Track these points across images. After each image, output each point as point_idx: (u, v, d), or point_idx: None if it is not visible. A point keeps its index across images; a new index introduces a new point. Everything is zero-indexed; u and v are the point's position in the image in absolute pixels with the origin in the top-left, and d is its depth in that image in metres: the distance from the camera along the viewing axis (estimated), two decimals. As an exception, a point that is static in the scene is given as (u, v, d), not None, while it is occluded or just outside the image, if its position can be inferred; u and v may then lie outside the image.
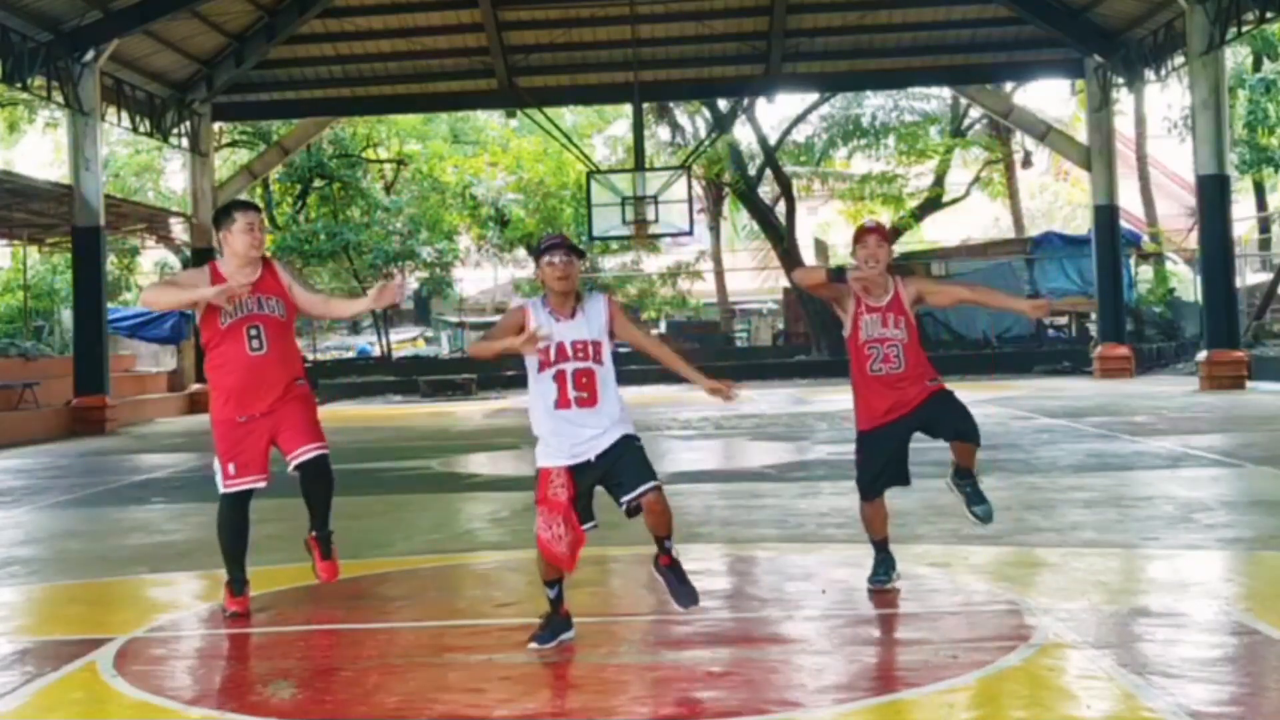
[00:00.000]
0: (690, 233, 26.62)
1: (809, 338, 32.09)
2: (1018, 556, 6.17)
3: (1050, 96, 36.66)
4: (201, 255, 22.35)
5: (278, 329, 5.55)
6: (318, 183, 33.22)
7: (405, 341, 38.31)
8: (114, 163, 33.15)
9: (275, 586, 6.08)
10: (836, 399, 18.89)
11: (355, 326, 42.02)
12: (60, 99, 19.47)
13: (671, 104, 34.14)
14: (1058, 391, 20.21)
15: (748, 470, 11.43)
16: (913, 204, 33.82)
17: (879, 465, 5.52)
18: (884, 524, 5.65)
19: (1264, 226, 33.77)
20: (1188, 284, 30.01)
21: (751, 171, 32.52)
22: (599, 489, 4.83)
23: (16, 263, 28.17)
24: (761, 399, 21.22)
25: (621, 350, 4.93)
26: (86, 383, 19.15)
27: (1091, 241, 24.95)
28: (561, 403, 4.74)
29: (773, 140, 32.41)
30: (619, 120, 36.77)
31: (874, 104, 33.84)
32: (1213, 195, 19.31)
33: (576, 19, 23.80)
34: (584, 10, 23.50)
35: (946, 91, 31.95)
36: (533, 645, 4.75)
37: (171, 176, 36.17)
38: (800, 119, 33.49)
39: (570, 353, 4.76)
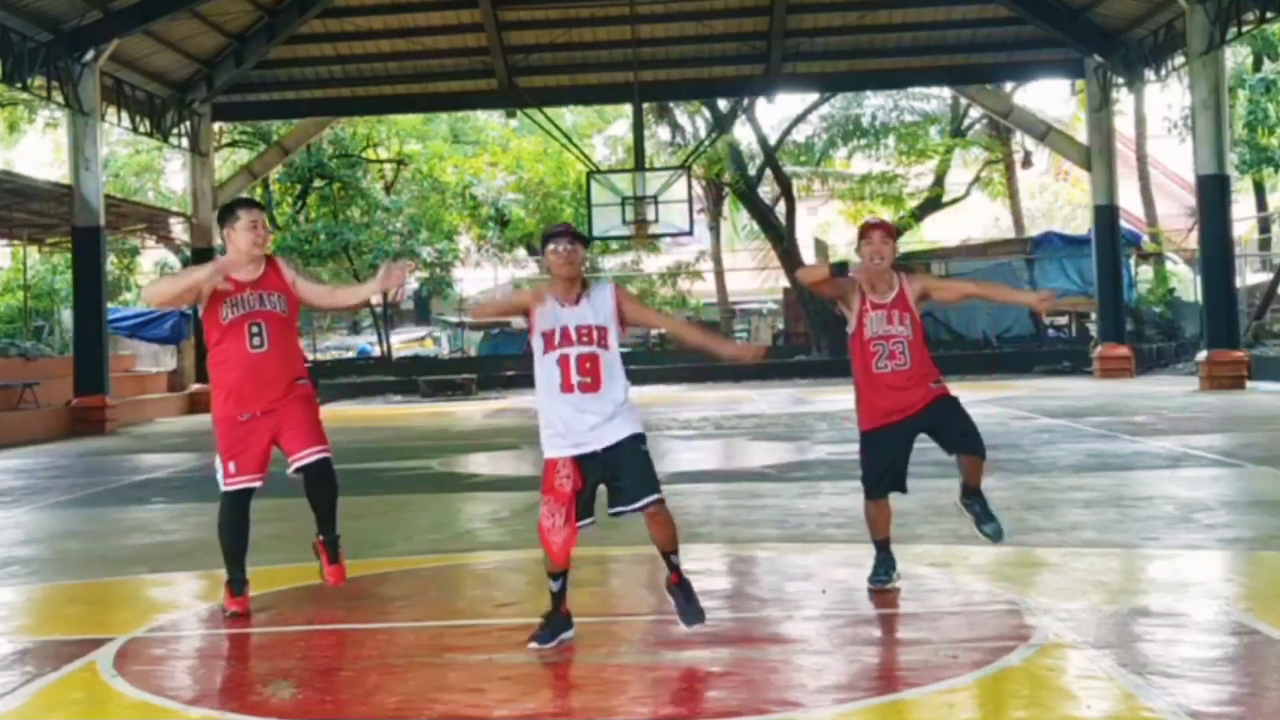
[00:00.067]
0: (690, 233, 26.62)
1: (809, 338, 32.09)
2: (1018, 556, 6.17)
3: (1050, 96, 36.69)
4: (201, 255, 22.37)
5: (279, 326, 5.54)
6: (318, 183, 33.24)
7: (412, 341, 38.27)
8: (114, 163, 33.16)
9: (275, 586, 6.08)
10: (836, 399, 18.89)
11: (355, 326, 42.07)
12: (60, 99, 19.47)
13: (671, 104, 34.14)
14: (1058, 391, 20.21)
15: (748, 470, 11.42)
16: (913, 204, 33.84)
17: (883, 465, 5.52)
18: (887, 524, 5.65)
19: (1264, 226, 33.77)
20: (1188, 284, 30.01)
21: (751, 171, 32.52)
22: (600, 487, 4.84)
23: (16, 263, 28.18)
24: (761, 399, 21.22)
25: (621, 351, 4.94)
26: (86, 383, 19.15)
27: (1091, 241, 24.96)
28: (565, 387, 4.75)
29: (773, 140, 32.41)
30: (619, 120, 36.77)
31: (874, 104, 33.86)
32: (1213, 195, 19.31)
33: (576, 19, 23.81)
34: (584, 10, 23.51)
35: (946, 91, 31.97)
36: (533, 645, 4.75)
37: (171, 176, 36.19)
38: (800, 119, 33.51)
39: (574, 337, 4.77)
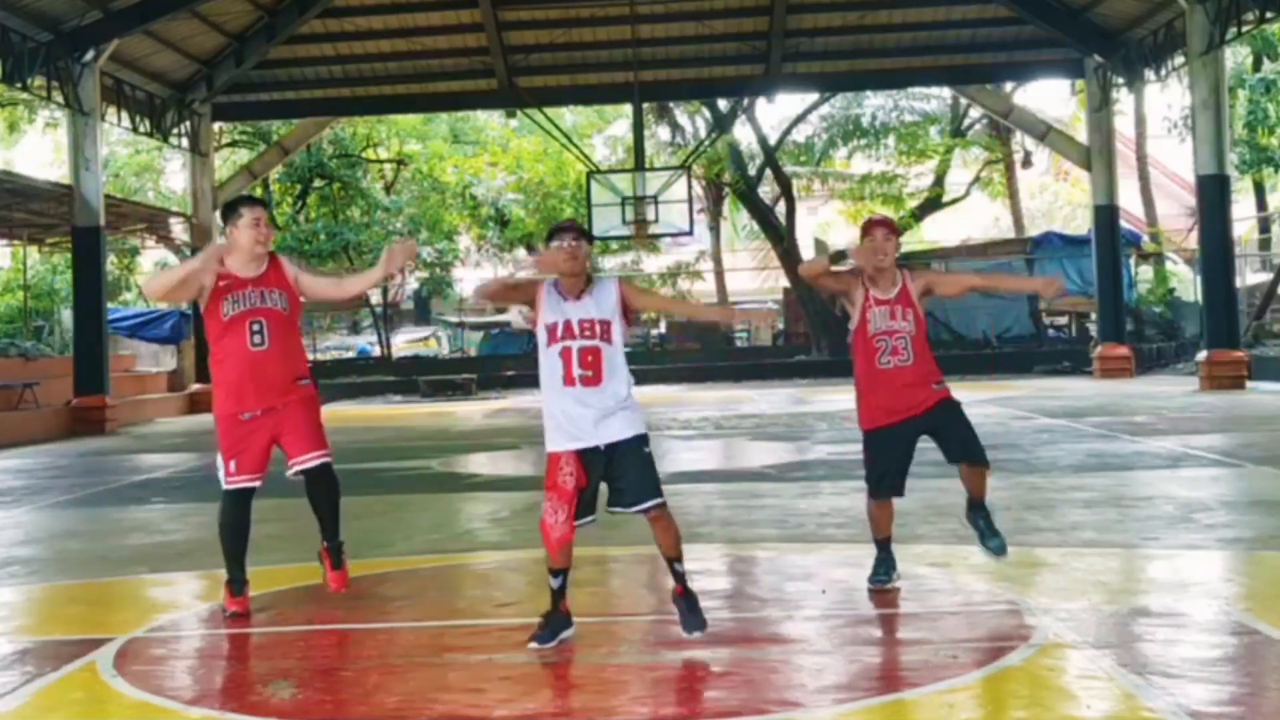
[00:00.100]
0: (690, 233, 26.62)
1: (809, 338, 32.09)
2: (1018, 556, 6.16)
3: (1050, 96, 36.67)
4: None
5: (280, 323, 5.53)
6: (318, 183, 33.24)
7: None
8: (114, 163, 33.16)
9: (275, 586, 6.08)
10: (836, 399, 18.89)
11: (355, 326, 42.07)
12: (60, 99, 19.47)
13: (671, 104, 34.14)
14: (1058, 391, 20.21)
15: (748, 470, 11.42)
16: (913, 204, 33.84)
17: (885, 465, 5.53)
18: (889, 523, 5.65)
19: (1264, 226, 33.78)
20: (1188, 284, 30.01)
21: (751, 171, 32.52)
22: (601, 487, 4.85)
23: (16, 263, 28.18)
24: (761, 399, 21.22)
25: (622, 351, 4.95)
26: (86, 383, 19.15)
27: (1091, 241, 24.96)
28: (567, 380, 4.77)
29: (773, 140, 32.41)
30: (619, 120, 36.78)
31: (874, 104, 33.87)
32: (1213, 195, 19.31)
33: (576, 19, 23.81)
34: (584, 10, 23.51)
35: (946, 91, 31.97)
36: (533, 645, 4.75)
37: (171, 176, 36.19)
38: (800, 119, 33.51)
39: (577, 330, 4.78)
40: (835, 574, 6.14)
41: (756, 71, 25.07)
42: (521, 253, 37.99)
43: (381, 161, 35.50)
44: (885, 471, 5.53)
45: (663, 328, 36.31)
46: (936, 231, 38.47)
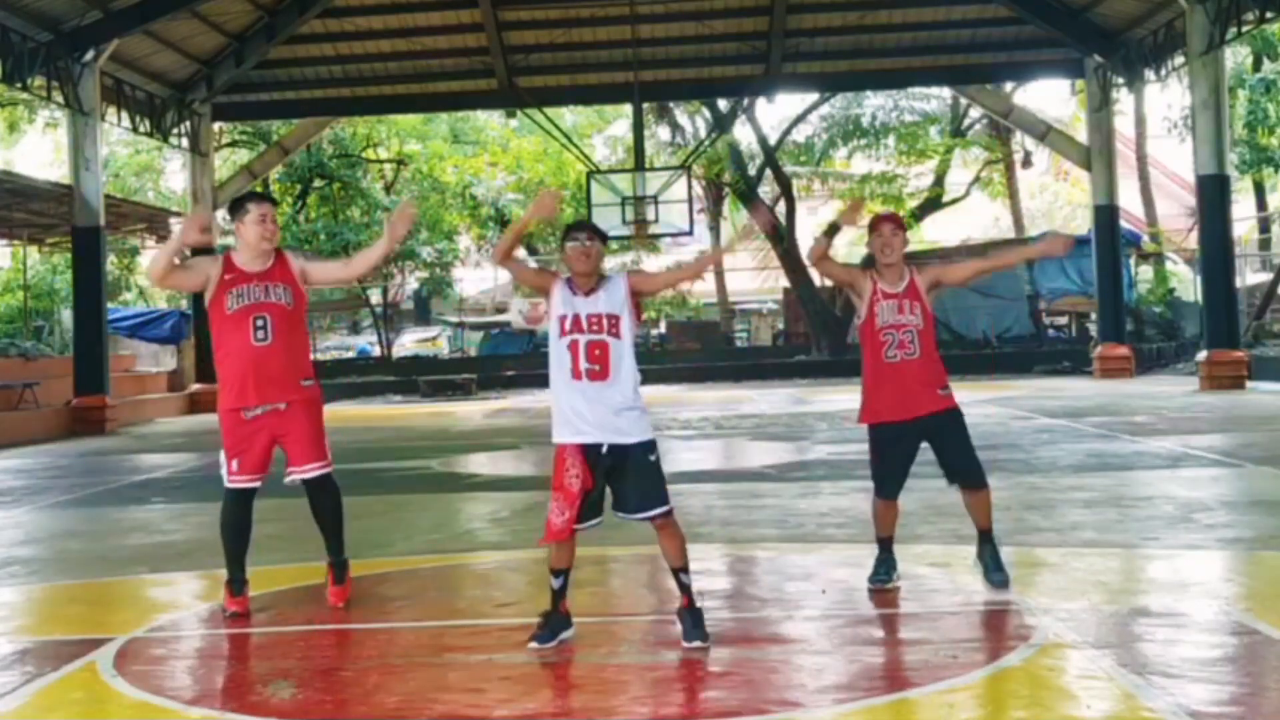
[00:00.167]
0: (690, 233, 26.63)
1: (809, 338, 32.09)
2: (1018, 556, 6.16)
3: (1050, 96, 36.72)
4: (200, 255, 22.33)
5: (284, 319, 5.53)
6: (318, 183, 33.25)
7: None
8: (114, 163, 33.17)
9: (275, 586, 6.08)
10: (836, 399, 18.90)
11: (355, 326, 42.08)
12: (60, 99, 19.47)
13: (671, 104, 34.14)
14: (1058, 391, 20.21)
15: (748, 470, 11.42)
16: (913, 204, 33.81)
17: (889, 465, 5.53)
18: (893, 523, 5.65)
19: (1264, 226, 33.79)
20: (1188, 284, 30.01)
21: (751, 171, 32.51)
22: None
23: (16, 263, 28.17)
24: (761, 399, 21.22)
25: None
26: (86, 383, 19.15)
27: (1091, 241, 24.95)
28: (575, 373, 4.78)
29: (773, 140, 32.40)
30: (619, 120, 36.79)
31: (874, 104, 33.86)
32: (1213, 195, 19.31)
33: (576, 19, 23.80)
34: (584, 10, 23.50)
35: (946, 91, 31.96)
36: (533, 645, 4.75)
37: (171, 176, 36.21)
38: (800, 119, 33.49)
39: (585, 325, 4.80)
40: (835, 574, 6.14)
41: (756, 71, 25.07)
42: (521, 253, 37.96)
43: (381, 161, 35.51)
44: (888, 472, 5.54)
45: (663, 328, 36.32)
46: (936, 231, 38.48)
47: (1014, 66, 25.61)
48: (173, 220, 26.11)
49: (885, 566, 5.62)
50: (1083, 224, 33.99)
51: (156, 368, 24.98)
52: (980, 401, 17.08)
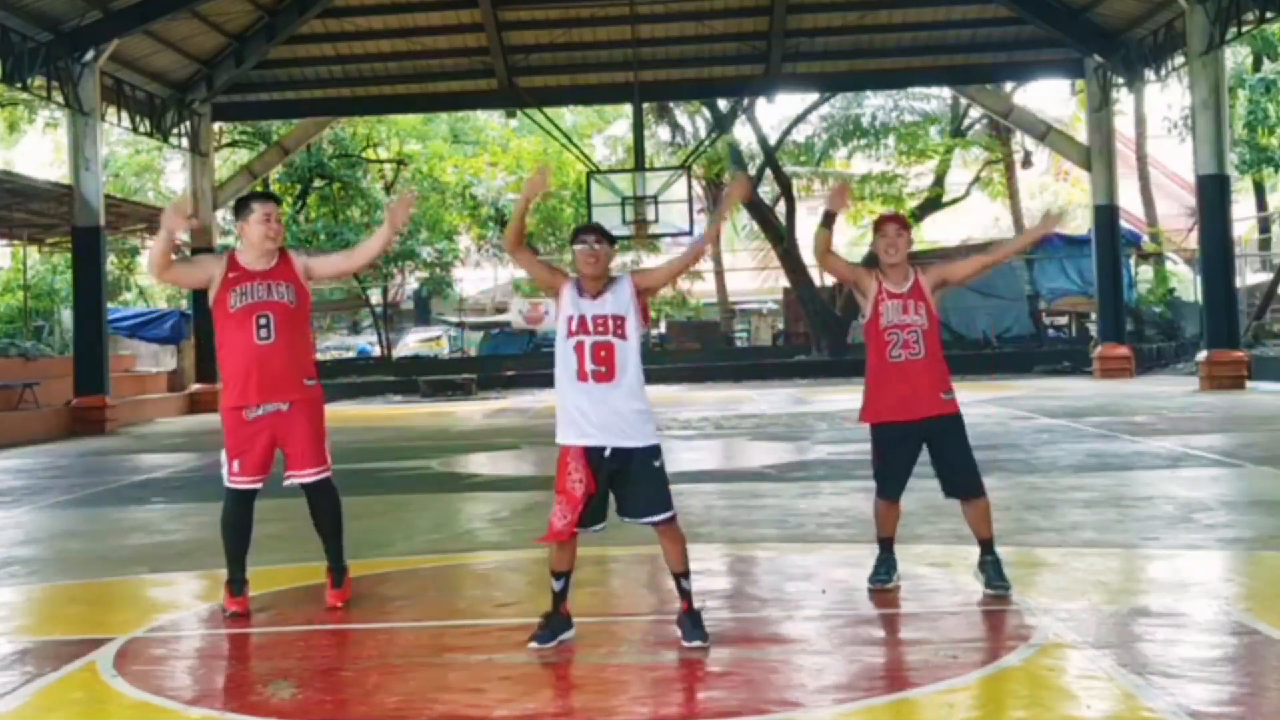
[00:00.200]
0: (690, 233, 26.55)
1: (809, 338, 32.10)
2: (1018, 556, 6.17)
3: (1050, 96, 36.75)
4: (201, 255, 22.35)
5: (287, 318, 5.52)
6: (318, 183, 33.25)
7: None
8: (114, 163, 33.17)
9: (275, 586, 6.08)
10: (836, 399, 18.90)
11: (355, 326, 42.08)
12: (60, 99, 19.47)
13: (671, 104, 34.14)
14: (1058, 391, 20.21)
15: (748, 470, 11.42)
16: (913, 204, 33.83)
17: (891, 465, 5.53)
18: (894, 524, 5.65)
19: (1264, 226, 33.79)
20: (1188, 284, 30.01)
21: (751, 171, 32.51)
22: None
23: (16, 263, 28.17)
24: (761, 399, 21.22)
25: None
26: (86, 383, 19.15)
27: (1091, 241, 24.96)
28: (580, 374, 4.79)
29: (773, 140, 32.41)
30: (619, 120, 36.79)
31: (874, 104, 33.86)
32: (1213, 195, 19.31)
33: (576, 19, 23.81)
34: (584, 10, 23.51)
35: (946, 91, 31.96)
36: (533, 645, 4.75)
37: (171, 176, 36.21)
38: (800, 119, 33.50)
39: (591, 326, 4.81)
40: (835, 574, 6.14)
41: (756, 71, 25.07)
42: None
43: (381, 161, 35.51)
44: (892, 472, 5.54)
45: (663, 328, 36.32)
46: (936, 231, 38.46)
47: (1014, 66, 25.61)
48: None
49: (885, 566, 5.62)
50: (1083, 224, 34.00)
51: (156, 368, 24.99)
52: (980, 401, 17.08)
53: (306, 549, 5.86)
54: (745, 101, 30.31)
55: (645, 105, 27.43)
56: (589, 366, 4.78)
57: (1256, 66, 26.31)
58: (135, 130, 22.87)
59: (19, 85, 18.79)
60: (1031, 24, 23.03)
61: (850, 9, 23.84)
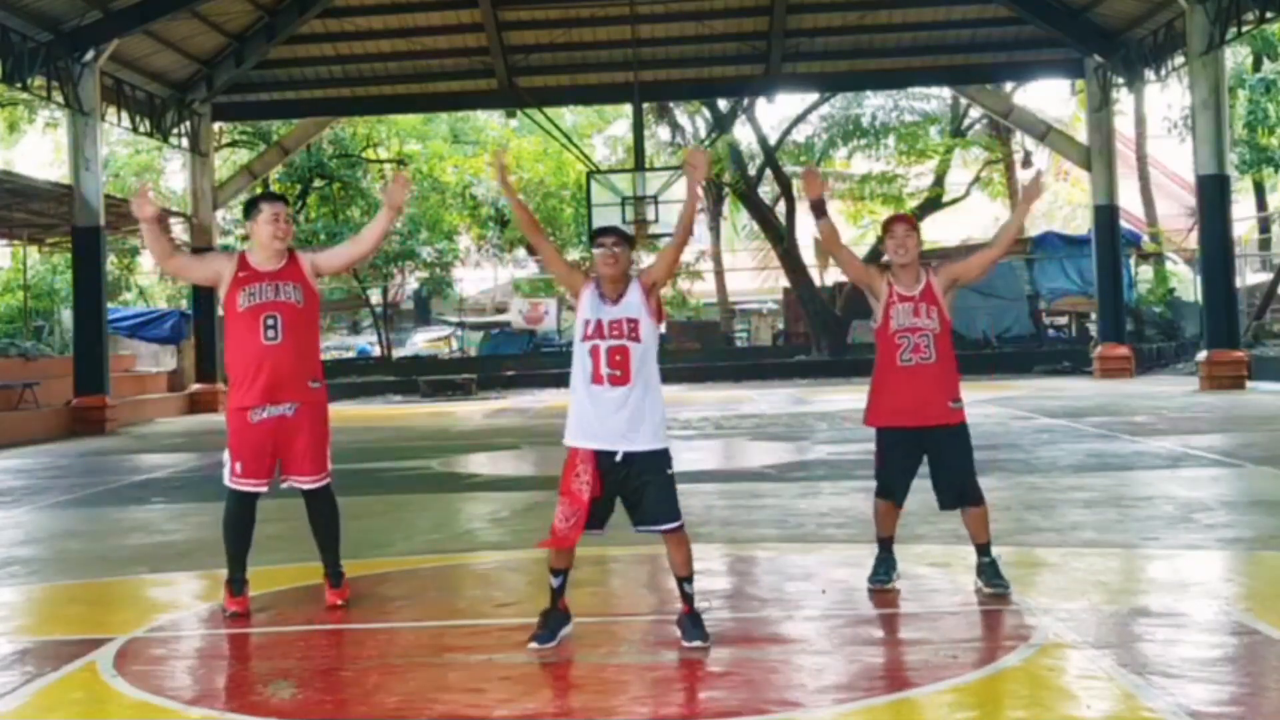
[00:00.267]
0: (690, 232, 26.61)
1: (809, 338, 32.09)
2: (1018, 556, 6.17)
3: (1050, 96, 36.67)
4: (201, 255, 22.36)
5: (295, 318, 5.52)
6: (318, 183, 33.23)
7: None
8: (114, 163, 33.15)
9: (275, 586, 6.08)
10: (836, 399, 18.90)
11: (355, 326, 42.06)
12: (60, 99, 19.47)
13: (671, 104, 34.12)
14: (1058, 391, 20.21)
15: (748, 470, 11.42)
16: (913, 204, 33.81)
17: (894, 469, 5.53)
18: (894, 523, 5.65)
19: (1264, 226, 33.78)
20: (1188, 284, 30.00)
21: (751, 171, 32.52)
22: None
23: (16, 263, 28.16)
24: (761, 399, 21.22)
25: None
26: (86, 383, 19.15)
27: (1091, 241, 24.95)
28: (595, 378, 4.80)
29: (773, 140, 32.41)
30: (619, 120, 36.78)
31: (874, 104, 33.85)
32: (1213, 195, 19.31)
33: (576, 19, 23.81)
34: (584, 10, 23.51)
35: (946, 91, 31.95)
36: (533, 645, 4.75)
37: (171, 176, 36.17)
38: (800, 119, 33.50)
39: (606, 330, 4.82)
40: (835, 574, 6.14)
41: (756, 71, 25.07)
42: (521, 253, 37.99)
43: (381, 161, 35.49)
44: (894, 475, 5.53)
45: (663, 328, 36.28)
46: (936, 231, 38.37)
47: (1014, 66, 25.61)
48: (173, 220, 26.17)
49: (885, 566, 5.61)
50: (1083, 224, 33.99)
51: (156, 368, 24.97)
52: (980, 401, 17.07)
53: (306, 549, 5.86)
54: (745, 101, 30.31)
55: (645, 105, 27.42)
56: (604, 370, 4.78)
57: (1256, 66, 26.31)
58: (135, 130, 22.87)
59: (19, 85, 18.79)
60: (1031, 24, 23.03)
61: (850, 9, 23.84)
